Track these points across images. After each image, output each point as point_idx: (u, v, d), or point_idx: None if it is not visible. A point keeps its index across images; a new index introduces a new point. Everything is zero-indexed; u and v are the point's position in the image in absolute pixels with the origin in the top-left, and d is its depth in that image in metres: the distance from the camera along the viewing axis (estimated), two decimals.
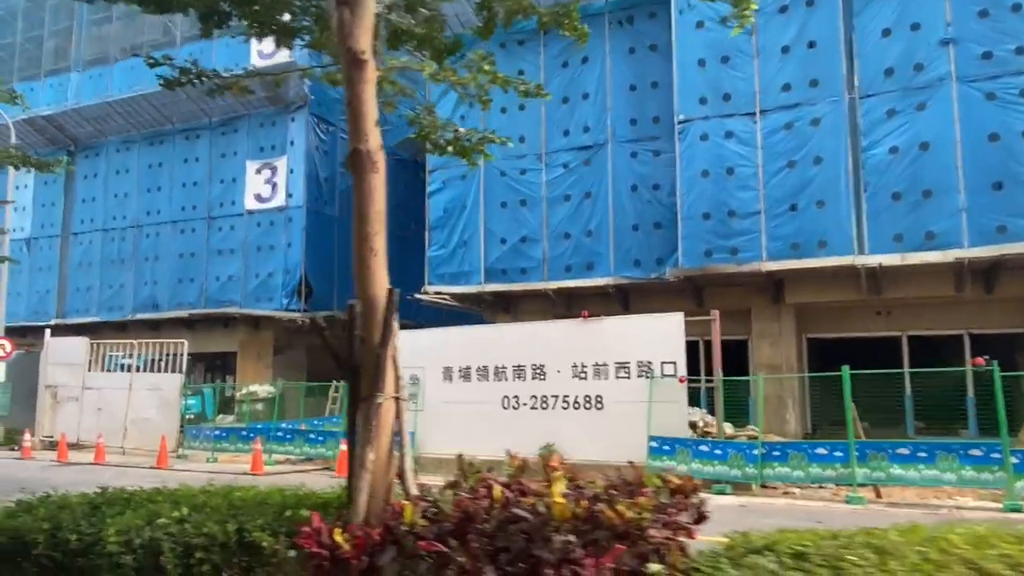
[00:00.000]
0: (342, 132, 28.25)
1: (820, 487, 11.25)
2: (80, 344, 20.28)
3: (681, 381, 12.04)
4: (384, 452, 3.86)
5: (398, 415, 3.94)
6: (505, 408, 13.87)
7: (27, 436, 18.68)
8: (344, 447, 14.03)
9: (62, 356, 20.53)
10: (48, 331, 21.49)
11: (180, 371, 18.75)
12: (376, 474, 3.77)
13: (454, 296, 20.56)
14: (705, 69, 17.31)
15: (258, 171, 27.00)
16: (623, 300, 19.14)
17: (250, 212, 26.92)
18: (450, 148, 6.13)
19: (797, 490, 11.25)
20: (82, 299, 30.05)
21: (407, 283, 31.23)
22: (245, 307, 26.47)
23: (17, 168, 12.14)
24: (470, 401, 14.17)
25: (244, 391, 24.44)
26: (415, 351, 15.22)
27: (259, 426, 17.08)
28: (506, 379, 13.92)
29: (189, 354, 21.30)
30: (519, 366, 13.80)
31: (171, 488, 5.10)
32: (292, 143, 26.59)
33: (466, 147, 6.10)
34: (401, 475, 3.90)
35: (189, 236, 28.08)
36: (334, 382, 23.35)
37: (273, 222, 26.60)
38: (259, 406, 23.25)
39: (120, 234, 29.37)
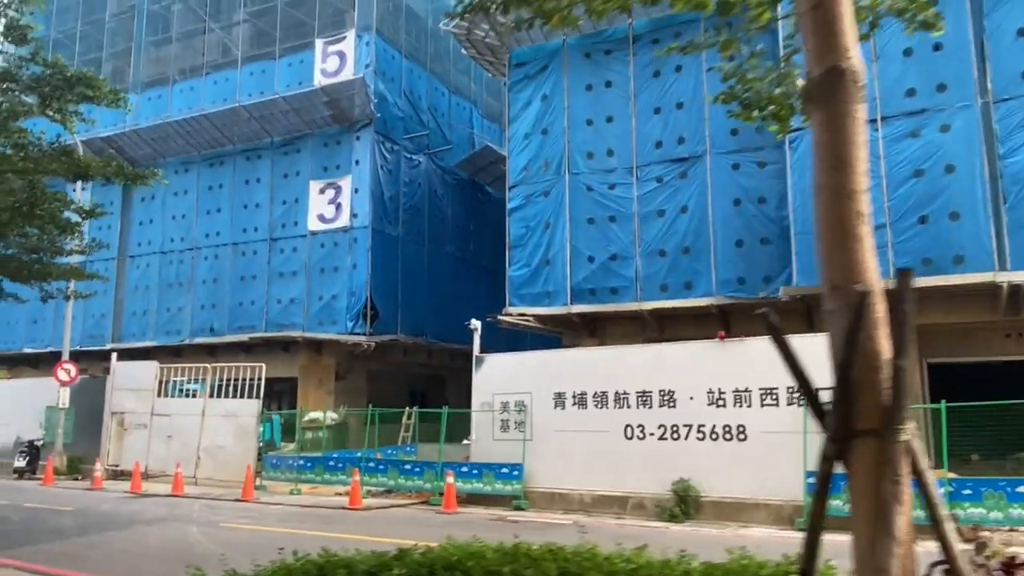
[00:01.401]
0: (405, 151, 27.61)
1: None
2: (149, 368, 19.49)
3: None
4: (909, 510, 2.68)
5: (914, 457, 2.75)
6: (628, 438, 12.70)
7: (98, 465, 17.81)
8: (450, 480, 12.94)
9: (129, 381, 19.74)
10: (115, 355, 20.75)
11: (257, 396, 17.83)
12: (905, 544, 2.63)
13: (538, 318, 19.49)
14: None
15: (321, 191, 26.33)
16: (723, 322, 17.94)
17: (313, 233, 26.20)
18: (771, 108, 4.85)
19: (989, 533, 9.91)
20: (138, 323, 29.45)
21: (476, 306, 30.31)
22: (308, 331, 25.63)
23: (110, 180, 11.34)
24: (586, 430, 13.04)
25: (307, 418, 23.47)
26: (519, 374, 14.20)
27: (348, 455, 16.05)
28: (628, 406, 12.78)
29: (247, 380, 20.39)
30: (644, 392, 12.65)
31: (551, 547, 3.90)
32: (357, 162, 25.92)
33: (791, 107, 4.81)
34: (944, 541, 2.72)
35: (250, 258, 27.41)
36: (407, 408, 22.33)
37: (337, 243, 25.85)
38: (322, 434, 22.26)
39: (178, 256, 28.82)
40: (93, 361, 30.65)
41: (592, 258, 18.88)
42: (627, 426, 12.75)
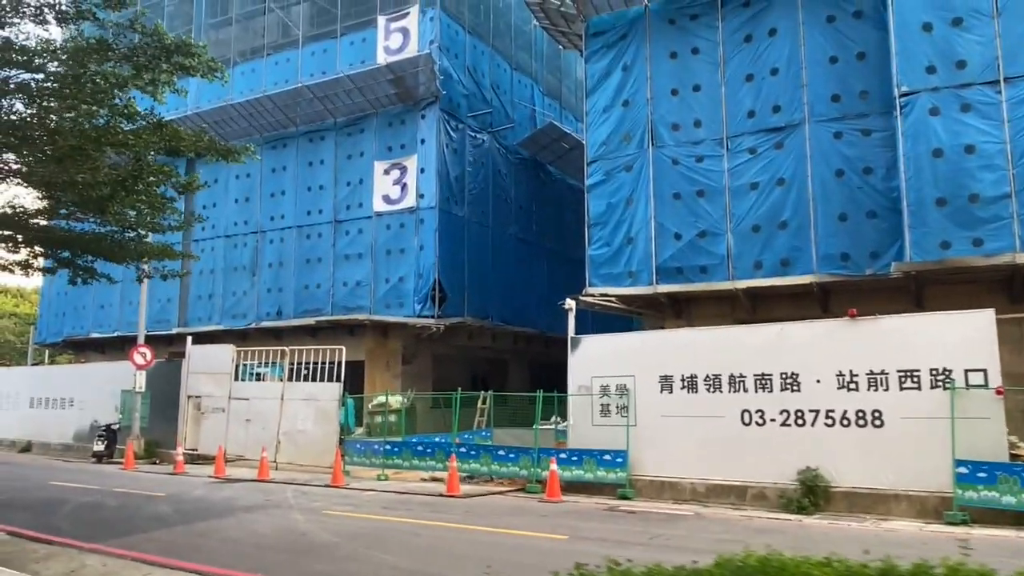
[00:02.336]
0: (470, 130, 26.93)
1: None
2: (225, 352, 19.26)
3: (999, 392, 9.85)
4: None
5: None
6: (745, 424, 11.89)
7: (179, 450, 17.64)
8: (554, 467, 12.32)
9: (206, 364, 19.55)
10: (189, 339, 20.59)
11: (337, 380, 17.44)
12: None
13: (621, 298, 18.71)
14: (932, 34, 15.04)
15: (386, 171, 25.84)
16: (822, 301, 16.96)
17: (378, 214, 25.76)
18: None
19: None
20: (204, 307, 29.47)
21: (539, 288, 29.61)
22: (375, 314, 25.25)
23: (200, 155, 10.85)
24: (697, 415, 12.27)
25: (375, 402, 23.11)
26: (621, 356, 13.47)
27: (438, 440, 15.55)
28: (745, 390, 11.95)
29: (323, 363, 20.01)
30: (764, 375, 11.81)
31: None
32: (422, 141, 25.34)
33: None
34: None
35: (315, 241, 27.13)
36: (482, 392, 21.80)
37: (403, 224, 25.36)
38: (392, 418, 21.87)
39: (242, 240, 28.69)
40: (159, 345, 30.76)
41: (679, 235, 18.00)
42: (744, 411, 11.93)
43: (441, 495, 12.69)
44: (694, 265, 17.75)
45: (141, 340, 21.12)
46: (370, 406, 23.53)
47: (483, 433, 20.67)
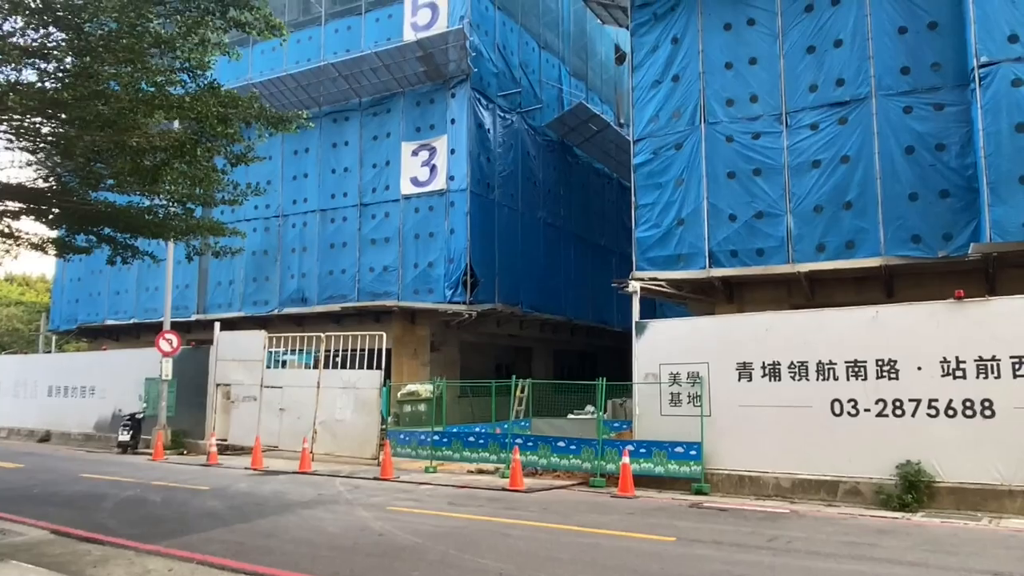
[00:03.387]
0: (500, 109, 26.03)
1: None
2: (257, 339, 18.48)
3: None
4: None
5: None
6: (836, 414, 11.10)
7: (213, 440, 16.89)
8: (626, 460, 11.55)
9: (235, 351, 18.77)
10: (217, 325, 19.80)
11: (378, 367, 16.67)
12: None
13: (671, 283, 17.87)
14: (1014, 1, 14.17)
15: (414, 153, 24.98)
16: (887, 286, 16.15)
17: (406, 197, 24.92)
18: None
19: None
20: (223, 294, 28.69)
21: (567, 274, 28.80)
22: (403, 300, 24.46)
23: (249, 124, 9.99)
24: (781, 405, 11.48)
25: (404, 391, 22.36)
26: (692, 342, 12.68)
27: (492, 432, 14.77)
28: (836, 377, 11.16)
29: (357, 350, 19.18)
30: (856, 361, 11.01)
31: None
32: (453, 121, 24.46)
33: None
34: None
35: (339, 225, 26.31)
36: (518, 380, 21.00)
37: (433, 207, 24.51)
38: (421, 407, 21.12)
39: (263, 224, 27.87)
40: (176, 332, 30.08)
41: (734, 216, 17.15)
42: (834, 401, 11.14)
43: (504, 489, 11.92)
44: (750, 248, 16.92)
45: (167, 326, 20.33)
46: (399, 395, 22.79)
47: (522, 423, 19.92)
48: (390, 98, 25.67)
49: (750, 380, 11.91)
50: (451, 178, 24.27)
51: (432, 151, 24.67)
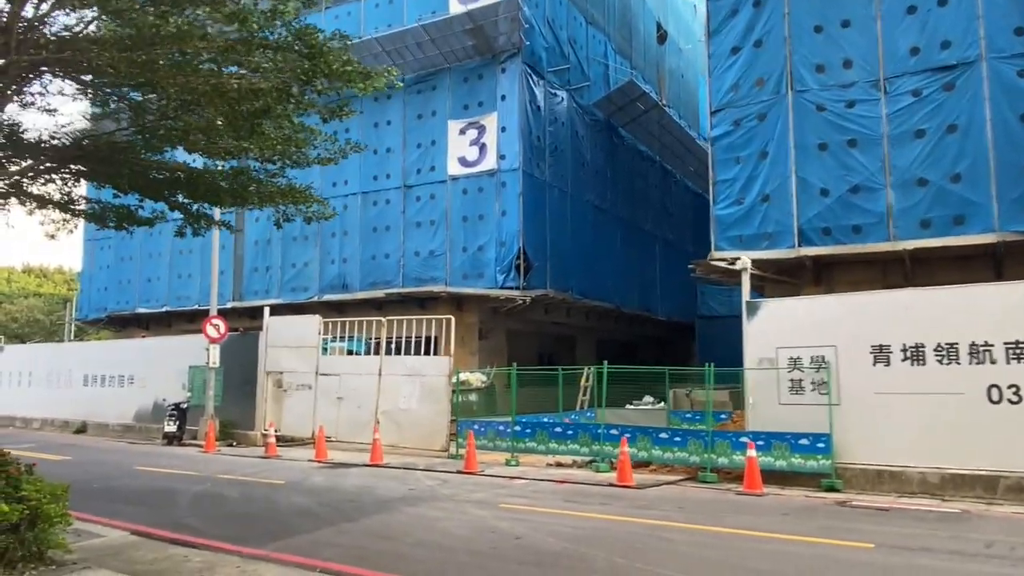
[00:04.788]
0: (550, 86, 24.86)
1: None
2: (312, 324, 17.44)
3: None
4: None
5: None
6: (994, 402, 9.95)
7: (271, 431, 15.88)
8: (752, 453, 10.43)
9: (287, 338, 17.75)
10: (267, 310, 18.77)
11: (447, 353, 15.62)
12: None
13: (755, 263, 16.67)
14: None
15: (462, 131, 23.85)
16: (995, 264, 14.96)
17: (454, 178, 23.81)
18: None
19: None
20: (260, 280, 27.73)
21: (616, 260, 27.62)
22: (451, 285, 23.38)
23: (349, 83, 8.78)
24: (926, 392, 10.34)
25: (453, 380, 21.28)
26: (817, 324, 11.53)
27: (583, 423, 13.68)
28: (993, 361, 10.00)
29: (375, 339, 18.00)
30: (1018, 343, 9.85)
31: None
32: (503, 97, 23.31)
33: None
34: None
35: (382, 208, 25.24)
36: (585, 369, 19.93)
37: (482, 188, 23.40)
38: (472, 396, 20.05)
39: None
40: (223, 318, 29.12)
41: (826, 191, 15.95)
42: (992, 387, 9.99)
43: (612, 484, 10.83)
44: (845, 224, 15.73)
45: (214, 311, 19.32)
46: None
47: (588, 413, 18.87)
48: (436, 74, 24.53)
49: (887, 365, 10.76)
50: (502, 157, 23.15)
51: (481, 129, 23.54)
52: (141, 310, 30.89)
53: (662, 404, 21.84)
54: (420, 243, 24.31)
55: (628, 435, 12.22)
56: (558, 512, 8.82)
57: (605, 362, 13.86)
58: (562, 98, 25.67)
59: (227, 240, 28.25)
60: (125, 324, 32.69)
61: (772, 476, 10.93)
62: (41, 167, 8.58)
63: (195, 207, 10.21)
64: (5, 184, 8.87)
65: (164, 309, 30.09)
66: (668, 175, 34.88)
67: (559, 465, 14.14)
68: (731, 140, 17.26)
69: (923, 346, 10.55)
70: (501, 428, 13.75)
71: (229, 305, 27.46)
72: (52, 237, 11.24)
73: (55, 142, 8.59)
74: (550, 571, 6.26)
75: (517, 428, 13.48)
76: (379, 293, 24.43)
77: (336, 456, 14.80)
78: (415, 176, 24.63)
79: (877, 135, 15.53)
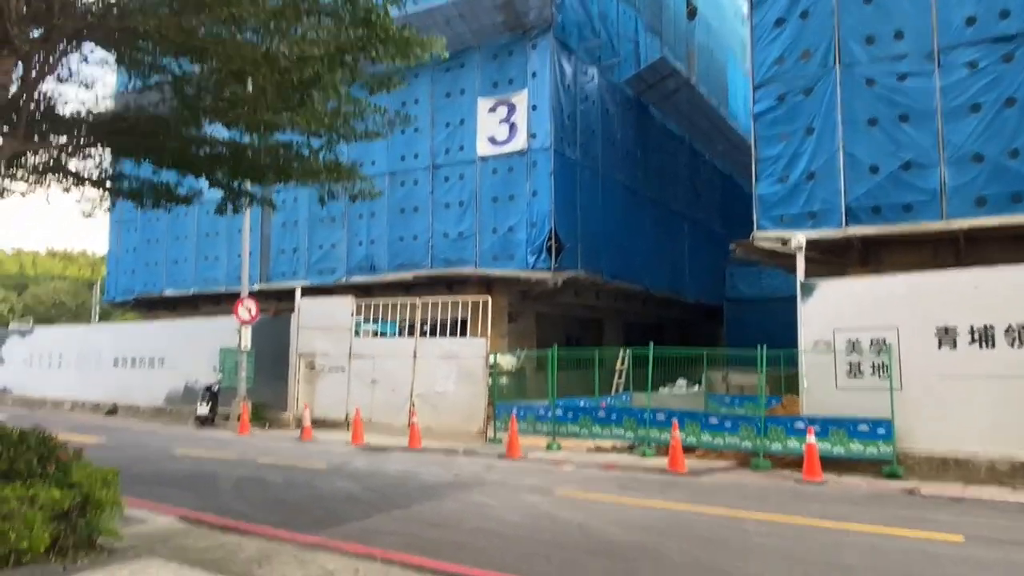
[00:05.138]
0: (581, 62, 24.29)
1: None
2: (345, 305, 17.21)
3: None
4: None
5: None
6: None
7: (306, 413, 15.70)
8: (812, 439, 10.05)
9: (319, 319, 17.54)
10: (298, 291, 18.54)
11: (483, 335, 15.32)
12: None
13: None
14: None
15: (492, 110, 23.38)
16: None
17: (483, 158, 23.38)
18: None
19: None
20: (287, 262, 27.51)
21: (645, 241, 27.12)
22: (481, 267, 23.03)
23: (406, 51, 8.37)
24: (995, 375, 9.89)
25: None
26: (877, 305, 11.09)
27: (623, 406, 13.34)
28: None
29: (405, 321, 17.65)
30: None
31: None
32: (534, 75, 22.78)
33: None
34: None
35: (410, 188, 24.86)
36: (621, 351, 19.56)
37: (512, 168, 22.94)
38: (503, 380, 19.76)
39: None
40: (234, 303, 29.02)
41: (876, 168, 15.40)
42: None
43: (664, 471, 10.49)
44: (895, 203, 15.18)
45: (245, 293, 19.14)
46: None
47: (623, 397, 18.53)
48: (464, 51, 24.00)
49: (953, 347, 10.31)
50: (533, 136, 22.67)
51: (511, 108, 23.05)
52: (168, 292, 30.85)
53: (697, 387, 21.46)
54: (449, 224, 23.96)
55: (670, 419, 11.87)
56: (617, 500, 8.50)
57: (651, 343, 13.48)
58: (592, 75, 25.10)
59: (254, 222, 28.04)
60: (152, 306, 32.70)
61: (829, 463, 10.54)
62: (80, 143, 8.30)
63: (236, 184, 9.90)
64: (43, 160, 8.61)
65: (191, 292, 30.02)
66: (696, 155, 34.20)
67: (599, 449, 13.84)
68: (775, 115, 16.71)
69: (992, 327, 10.08)
70: (541, 412, 13.44)
71: (256, 287, 27.27)
72: (88, 215, 11.02)
73: (94, 116, 8.31)
74: (624, 564, 5.95)
75: (559, 412, 13.16)
76: (407, 275, 24.14)
77: (372, 439, 14.58)
78: (443, 156, 24.23)
79: (930, 109, 14.94)
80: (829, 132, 15.94)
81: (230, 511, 8.18)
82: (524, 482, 9.65)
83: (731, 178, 37.73)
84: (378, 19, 7.31)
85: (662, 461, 11.29)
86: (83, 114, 8.08)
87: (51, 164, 8.54)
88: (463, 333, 23.48)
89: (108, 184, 9.94)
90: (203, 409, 18.24)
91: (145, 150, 8.66)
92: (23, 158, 8.24)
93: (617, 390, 19.12)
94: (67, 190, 9.53)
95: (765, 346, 11.57)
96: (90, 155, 8.87)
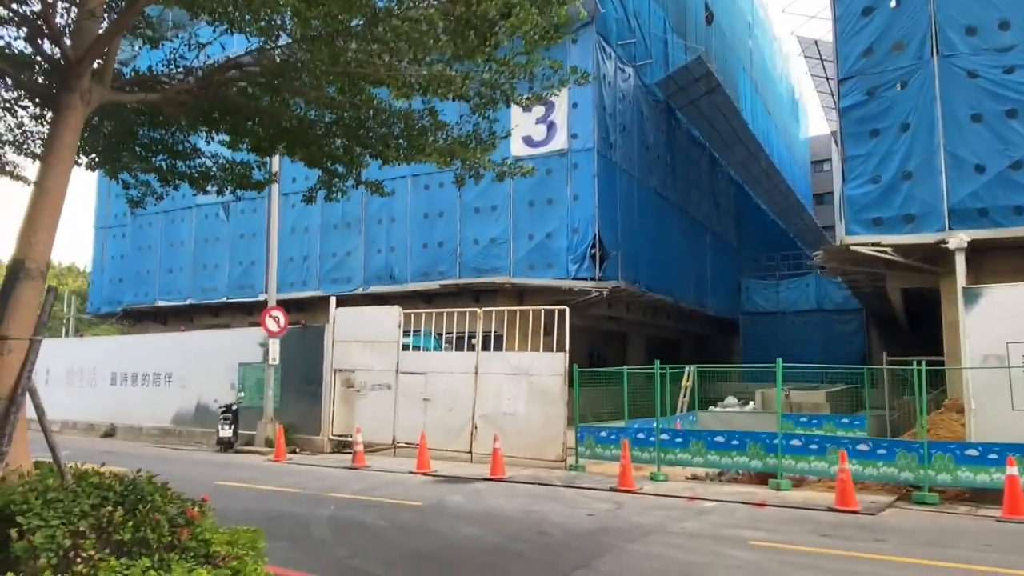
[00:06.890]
0: (620, 61, 22.98)
1: None
2: (391, 316, 15.43)
3: None
4: None
5: None
6: None
7: (359, 437, 13.87)
8: (1014, 470, 8.58)
9: (359, 331, 15.74)
10: (333, 300, 16.71)
11: (561, 348, 13.71)
12: None
13: (897, 248, 14.92)
14: None
15: (527, 108, 21.81)
16: None
17: (518, 159, 21.67)
18: None
19: None
20: (296, 270, 25.61)
21: (674, 249, 25.66)
22: (516, 276, 21.44)
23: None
24: None
25: None
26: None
27: (752, 432, 11.76)
28: None
29: (443, 333, 15.91)
30: None
31: None
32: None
33: None
34: None
35: (434, 192, 23.22)
36: (687, 368, 18.07)
37: (551, 170, 21.45)
38: None
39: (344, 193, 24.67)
40: (238, 314, 26.98)
41: (982, 167, 14.26)
42: None
43: (831, 508, 8.92)
44: (1004, 205, 14.05)
45: (272, 302, 17.23)
46: None
47: (690, 417, 17.03)
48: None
49: None
50: (573, 136, 21.26)
51: (550, 106, 21.55)
52: (161, 303, 28.64)
53: (751, 406, 20.07)
54: (479, 230, 22.35)
55: (811, 447, 10.36)
56: (828, 551, 6.87)
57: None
58: (629, 74, 23.83)
59: (259, 228, 26.09)
60: (141, 318, 30.40)
61: (998, 495, 9.12)
62: (176, 100, 6.54)
63: (348, 162, 8.24)
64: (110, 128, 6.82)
65: (188, 302, 27.87)
66: (715, 163, 33.14)
67: (694, 478, 12.30)
68: (864, 111, 15.51)
69: None
70: (641, 436, 11.82)
71: (261, 297, 25.24)
72: (137, 204, 9.21)
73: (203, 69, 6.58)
74: None
75: (665, 437, 11.56)
76: (433, 284, 22.45)
77: (436, 466, 12.82)
78: None
79: None
80: (926, 128, 14.77)
81: (360, 572, 6.40)
82: (686, 526, 8.00)
83: (743, 189, 36.79)
84: None
85: (809, 495, 9.78)
86: (178, 70, 6.37)
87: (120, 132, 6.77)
88: (497, 348, 21.75)
89: (185, 161, 8.13)
90: (226, 431, 16.23)
91: (252, 112, 6.93)
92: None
93: (682, 409, 17.62)
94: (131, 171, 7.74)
95: (924, 363, 10.14)
96: (165, 122, 7.13)
